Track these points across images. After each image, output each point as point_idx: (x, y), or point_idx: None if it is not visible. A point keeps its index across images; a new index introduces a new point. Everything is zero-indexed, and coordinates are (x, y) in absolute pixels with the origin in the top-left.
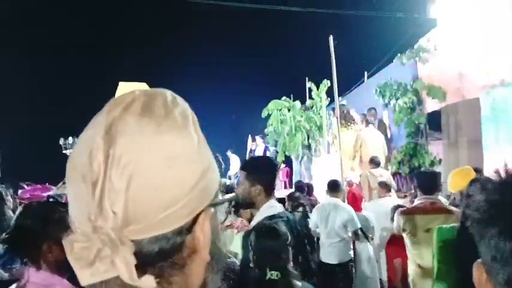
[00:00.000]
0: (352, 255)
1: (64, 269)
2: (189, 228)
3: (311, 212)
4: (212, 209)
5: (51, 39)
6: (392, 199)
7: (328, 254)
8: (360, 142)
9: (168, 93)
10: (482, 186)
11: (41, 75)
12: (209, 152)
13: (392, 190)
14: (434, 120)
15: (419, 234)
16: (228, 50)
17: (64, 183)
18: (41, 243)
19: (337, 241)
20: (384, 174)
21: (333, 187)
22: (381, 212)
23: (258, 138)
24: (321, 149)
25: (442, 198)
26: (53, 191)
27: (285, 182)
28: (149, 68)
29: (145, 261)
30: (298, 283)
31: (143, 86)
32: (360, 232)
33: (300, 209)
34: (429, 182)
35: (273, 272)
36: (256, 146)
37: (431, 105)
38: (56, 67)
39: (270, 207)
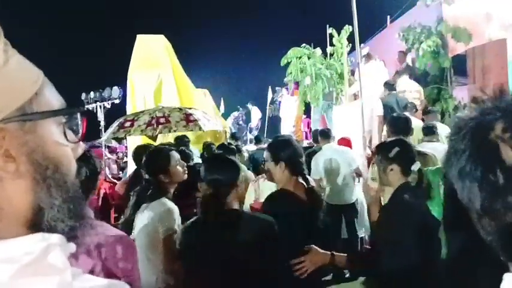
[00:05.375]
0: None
1: None
2: None
3: None
4: (28, 123)
5: None
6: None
7: (333, 196)
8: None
9: None
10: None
11: (60, 29)
12: (15, 72)
13: None
14: (460, 64)
15: None
16: None
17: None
18: None
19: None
20: None
21: (326, 135)
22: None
23: (284, 90)
24: (342, 97)
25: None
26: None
27: (305, 133)
28: (167, 20)
29: None
30: None
31: (161, 38)
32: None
33: None
34: (401, 126)
35: None
36: (282, 96)
37: (456, 48)
38: (74, 22)
39: None
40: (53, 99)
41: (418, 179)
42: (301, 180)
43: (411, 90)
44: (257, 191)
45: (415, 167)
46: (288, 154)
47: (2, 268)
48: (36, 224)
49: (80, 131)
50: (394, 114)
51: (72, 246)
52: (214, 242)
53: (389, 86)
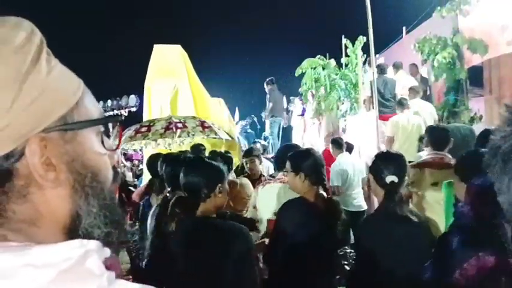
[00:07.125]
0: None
1: None
2: (20, 154)
3: None
4: (69, 133)
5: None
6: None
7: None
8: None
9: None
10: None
11: (78, 39)
12: (59, 80)
13: None
14: (476, 75)
15: (426, 188)
16: (262, 8)
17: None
18: None
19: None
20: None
21: (339, 144)
22: None
23: (296, 99)
24: (356, 107)
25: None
26: None
27: None
28: (184, 30)
29: None
30: None
31: (178, 48)
32: None
33: None
34: (440, 138)
35: None
36: (294, 107)
37: (472, 59)
38: (93, 30)
39: None
40: (93, 108)
41: (389, 193)
42: (321, 190)
43: (425, 111)
44: (256, 197)
45: (389, 179)
46: (308, 165)
47: (41, 273)
48: (73, 230)
49: (117, 139)
50: (434, 125)
51: (106, 251)
52: (183, 249)
53: (380, 69)
